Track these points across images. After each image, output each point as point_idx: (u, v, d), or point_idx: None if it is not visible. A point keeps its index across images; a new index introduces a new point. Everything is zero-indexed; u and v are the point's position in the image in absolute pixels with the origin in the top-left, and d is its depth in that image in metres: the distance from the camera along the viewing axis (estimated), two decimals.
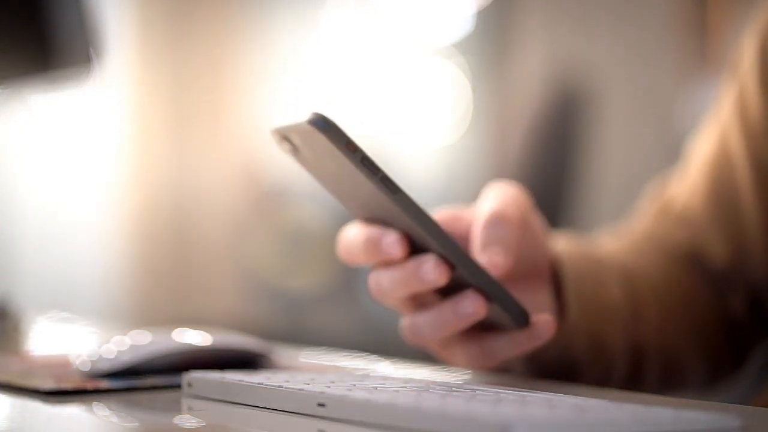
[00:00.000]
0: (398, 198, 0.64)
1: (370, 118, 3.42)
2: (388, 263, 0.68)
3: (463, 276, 0.65)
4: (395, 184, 0.63)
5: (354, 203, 0.69)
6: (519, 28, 3.39)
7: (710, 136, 0.88)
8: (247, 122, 3.58)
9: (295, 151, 0.67)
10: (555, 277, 0.77)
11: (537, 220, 0.74)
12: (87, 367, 0.70)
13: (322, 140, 0.62)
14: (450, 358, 0.73)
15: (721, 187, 0.86)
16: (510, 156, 2.33)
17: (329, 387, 0.57)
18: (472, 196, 0.76)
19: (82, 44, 1.13)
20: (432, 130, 3.48)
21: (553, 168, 2.14)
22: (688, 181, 0.89)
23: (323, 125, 0.62)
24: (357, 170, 0.63)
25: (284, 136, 0.67)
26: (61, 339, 1.09)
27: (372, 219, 0.68)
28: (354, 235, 0.69)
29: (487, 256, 0.66)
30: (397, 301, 0.69)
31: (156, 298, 3.43)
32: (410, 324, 0.69)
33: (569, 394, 0.57)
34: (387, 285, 0.68)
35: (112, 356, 0.70)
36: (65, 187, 3.41)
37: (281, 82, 3.61)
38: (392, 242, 0.66)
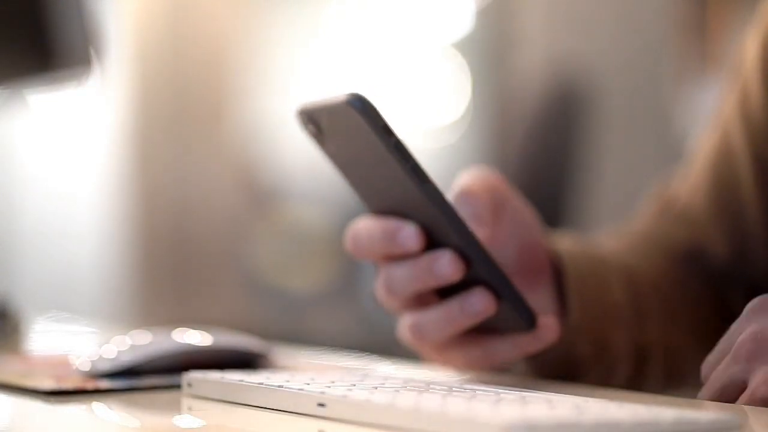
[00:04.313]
0: (427, 188, 0.63)
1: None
2: (399, 258, 0.67)
3: (476, 273, 0.64)
4: (425, 173, 0.63)
5: (372, 193, 0.68)
6: (519, 28, 3.39)
7: (712, 134, 0.88)
8: (248, 122, 3.58)
9: (318, 133, 0.66)
10: (557, 277, 0.76)
11: (522, 205, 0.74)
12: (87, 367, 0.70)
13: (355, 121, 0.61)
14: (447, 362, 0.72)
15: (722, 184, 0.86)
16: (510, 156, 2.33)
17: (329, 387, 0.57)
18: None
19: (82, 44, 1.13)
20: (432, 129, 3.48)
21: (553, 168, 2.14)
22: (689, 180, 0.89)
23: (361, 105, 0.61)
24: (388, 155, 0.62)
25: (311, 117, 0.66)
26: (61, 339, 1.09)
27: (386, 211, 0.67)
28: (366, 227, 0.68)
29: None
30: (403, 299, 0.69)
31: (156, 298, 3.43)
32: (413, 323, 0.68)
33: (569, 394, 0.57)
34: (399, 280, 0.67)
35: (112, 356, 0.70)
36: (65, 187, 3.41)
37: (282, 83, 3.61)
38: (410, 234, 0.65)
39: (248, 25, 3.64)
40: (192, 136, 3.54)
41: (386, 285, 0.68)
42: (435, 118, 3.50)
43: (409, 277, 0.66)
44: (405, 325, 0.69)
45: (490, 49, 3.50)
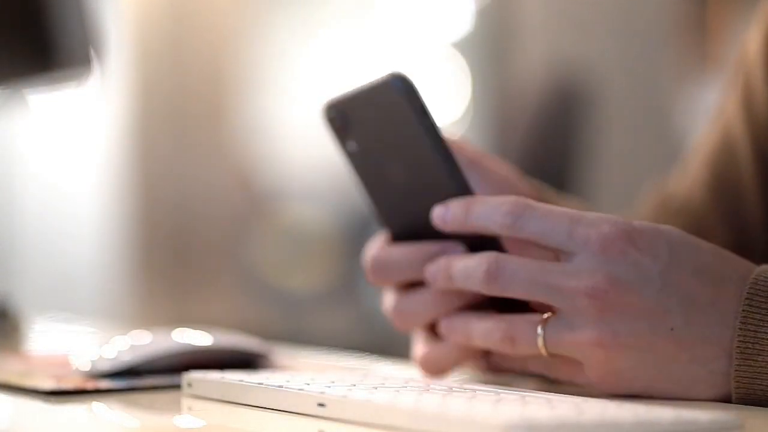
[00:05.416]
0: (453, 176, 0.63)
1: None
2: (405, 290, 0.67)
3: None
4: (454, 161, 0.63)
5: (388, 189, 0.67)
6: (519, 28, 3.39)
7: (714, 129, 0.88)
8: (247, 122, 3.58)
9: (342, 128, 0.66)
10: None
11: (498, 165, 0.73)
12: (87, 367, 0.70)
13: (392, 102, 0.62)
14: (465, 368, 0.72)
15: (723, 177, 0.86)
16: (510, 155, 2.33)
17: (329, 387, 0.57)
18: None
19: (82, 44, 1.13)
20: None
21: (553, 168, 2.14)
22: (690, 174, 0.89)
23: (402, 84, 0.61)
24: (420, 138, 0.62)
25: (339, 109, 0.66)
26: (61, 339, 1.09)
27: (399, 212, 0.67)
28: (398, 254, 0.67)
29: None
30: (422, 325, 0.69)
31: (156, 298, 3.43)
32: (427, 357, 0.68)
33: (569, 394, 0.57)
34: (416, 310, 0.67)
35: (112, 356, 0.69)
36: (65, 187, 3.41)
37: (281, 83, 3.61)
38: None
39: (248, 25, 3.64)
40: (192, 136, 3.54)
41: (401, 314, 0.68)
42: (435, 118, 3.49)
43: (425, 307, 0.66)
44: (419, 354, 0.69)
45: (490, 49, 3.50)
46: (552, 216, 0.60)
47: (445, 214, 0.63)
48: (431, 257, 0.65)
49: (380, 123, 0.64)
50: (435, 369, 0.68)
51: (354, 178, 0.69)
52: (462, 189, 0.63)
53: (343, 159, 0.68)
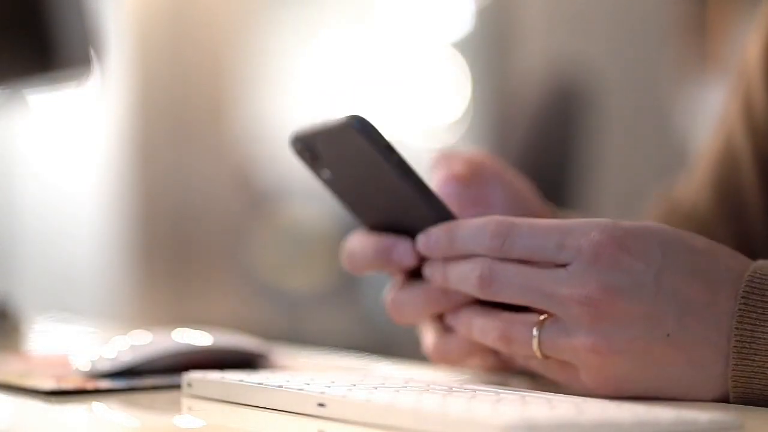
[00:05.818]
0: (431, 202, 0.63)
1: (370, 119, 3.41)
2: (405, 282, 0.67)
3: None
4: (429, 188, 0.63)
5: (371, 213, 0.68)
6: (519, 28, 3.39)
7: (717, 135, 0.88)
8: (247, 122, 3.58)
9: (313, 160, 0.66)
10: None
11: (515, 179, 0.73)
12: (87, 367, 0.70)
13: (356, 143, 0.62)
14: (472, 367, 0.72)
15: (726, 184, 0.86)
16: (510, 156, 2.33)
17: (329, 387, 0.57)
18: None
19: (82, 44, 1.13)
20: (432, 130, 3.48)
21: (553, 168, 2.14)
22: (695, 181, 0.89)
23: (362, 126, 0.62)
24: (391, 173, 0.62)
25: (305, 143, 0.66)
26: (61, 339, 1.09)
27: (385, 229, 0.67)
28: (361, 243, 0.68)
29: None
30: (419, 321, 0.69)
31: (156, 298, 3.43)
32: (437, 348, 0.68)
33: (569, 394, 0.57)
34: (410, 306, 0.67)
35: (112, 356, 0.69)
36: (65, 187, 3.41)
37: (281, 83, 3.61)
38: (405, 251, 0.65)
39: (248, 25, 3.64)
40: (192, 136, 3.54)
41: (396, 310, 0.68)
42: (435, 118, 3.50)
43: (421, 303, 0.66)
44: (428, 345, 0.69)
45: (490, 49, 3.50)
46: (539, 231, 0.60)
47: (427, 242, 0.64)
48: (398, 248, 0.66)
49: (348, 158, 0.64)
50: (444, 360, 0.68)
51: (335, 201, 0.69)
52: (440, 213, 0.63)
53: (319, 185, 0.69)
